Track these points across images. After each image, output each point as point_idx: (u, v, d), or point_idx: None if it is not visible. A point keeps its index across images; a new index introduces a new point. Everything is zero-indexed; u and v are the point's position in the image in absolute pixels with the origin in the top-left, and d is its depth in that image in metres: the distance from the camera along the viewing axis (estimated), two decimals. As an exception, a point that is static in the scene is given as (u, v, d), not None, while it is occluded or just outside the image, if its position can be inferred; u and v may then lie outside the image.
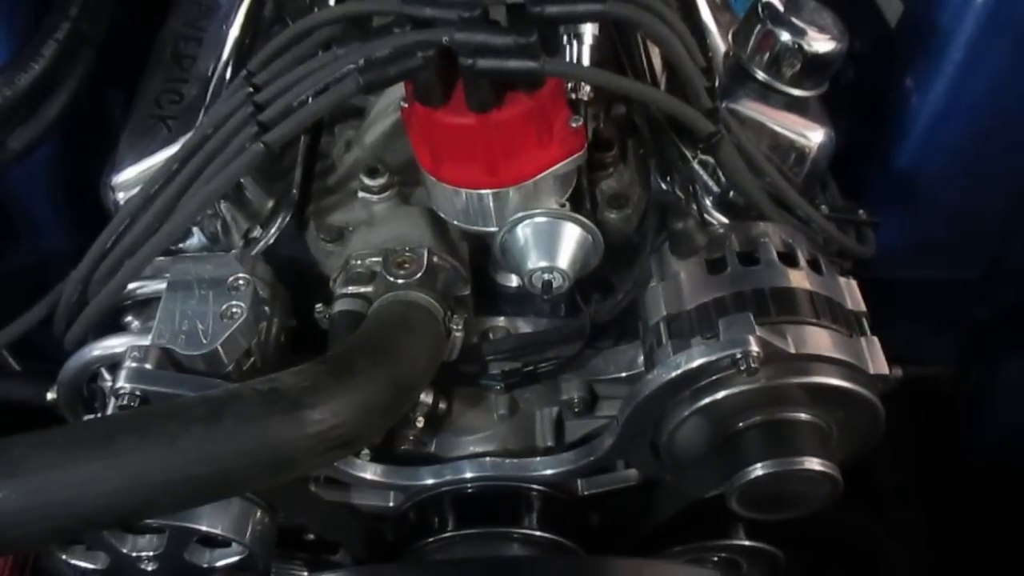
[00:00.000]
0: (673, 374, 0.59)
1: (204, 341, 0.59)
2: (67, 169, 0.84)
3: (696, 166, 0.74)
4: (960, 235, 0.87)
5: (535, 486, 0.72)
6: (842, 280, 0.67)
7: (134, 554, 0.60)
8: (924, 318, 0.93)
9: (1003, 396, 0.94)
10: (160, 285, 0.64)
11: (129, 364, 0.57)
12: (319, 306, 0.70)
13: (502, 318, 0.77)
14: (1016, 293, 0.91)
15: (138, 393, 0.56)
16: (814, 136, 0.73)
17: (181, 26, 0.85)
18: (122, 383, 0.56)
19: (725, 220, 0.72)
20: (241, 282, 0.62)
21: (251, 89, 0.62)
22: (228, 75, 0.78)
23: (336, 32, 0.65)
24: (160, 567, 0.61)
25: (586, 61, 0.69)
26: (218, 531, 0.59)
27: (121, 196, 0.71)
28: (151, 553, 0.60)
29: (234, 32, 0.81)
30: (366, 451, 0.69)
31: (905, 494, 1.01)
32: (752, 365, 0.56)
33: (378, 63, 0.58)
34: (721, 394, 0.59)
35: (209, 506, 0.58)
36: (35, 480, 0.46)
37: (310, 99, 0.61)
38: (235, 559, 0.61)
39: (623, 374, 0.75)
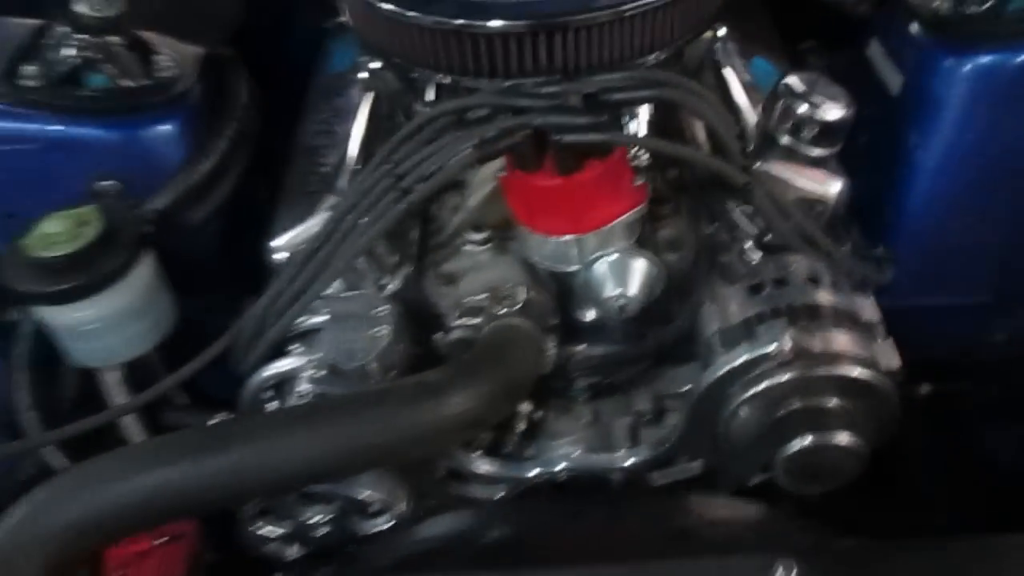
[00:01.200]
0: (725, 369, 0.75)
1: (360, 357, 0.77)
2: (228, 236, 1.05)
3: (738, 213, 0.91)
4: (966, 264, 1.02)
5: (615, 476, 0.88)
6: (860, 298, 0.83)
7: (310, 521, 0.77)
8: (945, 342, 1.07)
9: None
10: (318, 319, 0.83)
11: (309, 374, 0.75)
12: (438, 335, 0.88)
13: (583, 345, 0.94)
14: (1018, 311, 1.05)
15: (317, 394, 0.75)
16: (832, 186, 0.90)
17: (315, 123, 1.07)
18: (304, 387, 0.74)
19: (761, 255, 0.89)
20: (383, 313, 0.81)
21: (390, 165, 0.82)
22: (355, 158, 0.98)
23: (449, 121, 0.85)
24: (329, 533, 0.78)
25: (643, 132, 0.88)
26: (377, 498, 0.76)
27: (281, 255, 0.91)
28: (323, 519, 0.77)
29: (359, 125, 1.02)
30: (481, 450, 0.86)
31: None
32: (785, 359, 0.72)
33: (489, 141, 0.77)
34: (764, 385, 0.75)
35: (369, 480, 0.76)
36: (261, 447, 0.64)
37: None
38: (385, 528, 0.78)
39: (686, 387, 0.91)
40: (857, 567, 0.61)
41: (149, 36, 1.00)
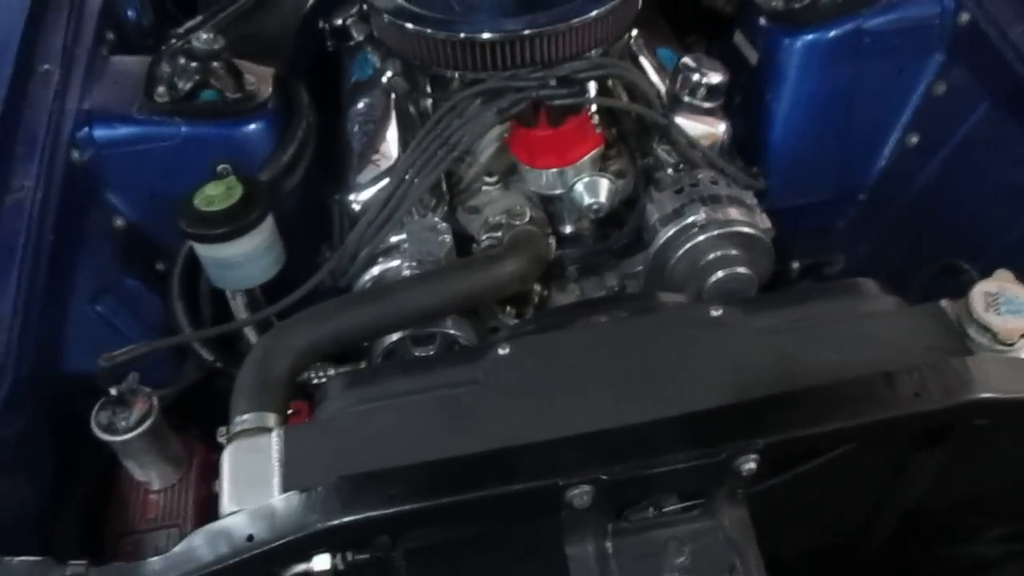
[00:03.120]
0: (666, 236, 1.21)
1: (436, 254, 1.19)
2: (306, 201, 1.44)
3: (659, 151, 1.37)
4: (813, 175, 1.51)
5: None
6: (744, 193, 1.30)
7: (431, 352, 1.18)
8: (806, 228, 1.56)
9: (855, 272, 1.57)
10: (397, 238, 1.25)
11: (405, 267, 1.17)
12: (473, 246, 1.31)
13: (569, 247, 1.38)
14: (855, 206, 1.56)
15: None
16: (719, 127, 1.37)
17: (355, 117, 1.47)
18: (408, 271, 1.16)
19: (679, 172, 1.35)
20: (443, 227, 1.23)
21: (437, 132, 1.25)
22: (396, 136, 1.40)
23: (471, 101, 1.28)
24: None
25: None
26: (461, 336, 1.18)
27: (358, 204, 1.32)
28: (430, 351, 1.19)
29: (392, 115, 1.43)
30: (512, 310, 1.29)
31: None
32: (702, 224, 1.19)
33: (505, 107, 1.21)
34: (690, 244, 1.21)
35: (455, 325, 1.18)
36: (407, 295, 1.07)
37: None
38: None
39: (639, 268, 1.36)
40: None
41: (238, 62, 1.39)
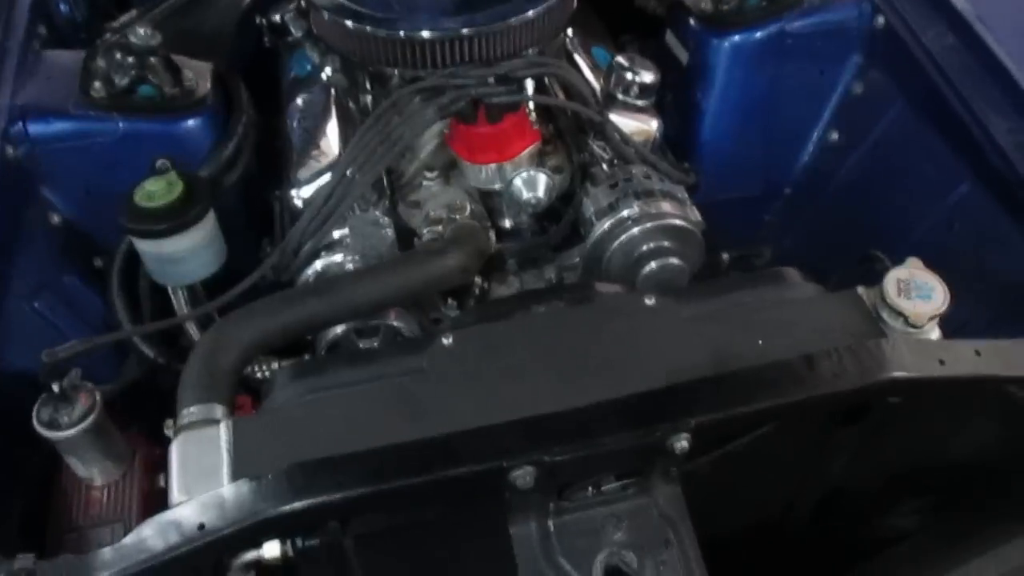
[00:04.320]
0: (602, 230, 1.26)
1: (379, 249, 1.22)
2: (246, 195, 1.44)
3: (594, 146, 1.41)
4: (741, 171, 1.58)
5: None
6: (675, 187, 1.35)
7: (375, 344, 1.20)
8: (735, 222, 1.62)
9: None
10: (339, 232, 1.27)
11: (348, 262, 1.19)
12: (415, 240, 1.33)
13: (507, 240, 1.42)
14: (781, 201, 1.63)
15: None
16: (652, 124, 1.42)
17: (295, 113, 1.48)
18: (350, 265, 1.19)
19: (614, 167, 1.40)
20: (385, 222, 1.26)
21: (378, 128, 1.27)
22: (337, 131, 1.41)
23: (411, 97, 1.30)
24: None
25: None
26: (404, 328, 1.20)
27: (300, 200, 1.33)
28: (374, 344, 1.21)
29: (332, 110, 1.45)
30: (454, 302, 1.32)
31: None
32: (635, 218, 1.23)
33: (445, 104, 1.24)
34: (624, 236, 1.25)
35: (398, 317, 1.20)
36: (352, 288, 1.09)
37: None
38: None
39: (575, 260, 1.40)
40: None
41: (176, 57, 1.39)
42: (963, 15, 1.38)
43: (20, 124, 1.29)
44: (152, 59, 1.34)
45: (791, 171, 1.61)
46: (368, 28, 1.31)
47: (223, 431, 0.90)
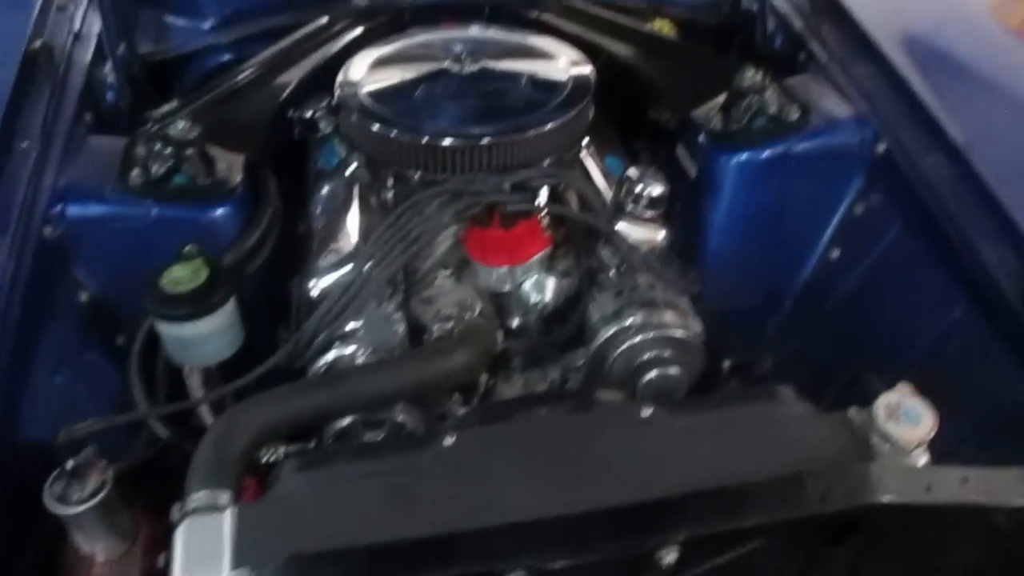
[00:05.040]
0: (605, 336, 1.30)
1: (391, 344, 1.27)
2: (268, 283, 1.50)
3: (605, 252, 1.47)
4: (744, 281, 1.63)
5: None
6: (680, 297, 1.40)
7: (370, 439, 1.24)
8: (737, 330, 1.67)
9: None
10: (353, 325, 1.32)
11: (360, 355, 1.24)
12: (425, 335, 1.38)
13: (515, 339, 1.46)
14: (782, 312, 1.68)
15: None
16: (659, 235, 1.48)
17: (318, 204, 1.56)
18: (361, 358, 1.23)
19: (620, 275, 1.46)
20: (398, 317, 1.31)
21: (397, 228, 1.33)
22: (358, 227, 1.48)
23: (431, 200, 1.37)
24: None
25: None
26: (410, 422, 1.24)
27: (318, 291, 1.38)
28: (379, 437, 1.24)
29: (355, 205, 1.52)
30: (460, 397, 1.36)
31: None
32: (638, 327, 1.28)
33: (462, 209, 1.31)
34: (627, 344, 1.30)
35: (404, 412, 1.24)
36: (362, 381, 1.13)
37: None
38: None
39: (580, 363, 1.45)
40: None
41: (211, 148, 1.47)
42: (959, 146, 1.45)
43: (60, 206, 1.36)
44: (189, 150, 1.42)
45: (793, 284, 1.66)
46: (392, 133, 1.39)
47: (227, 519, 0.93)
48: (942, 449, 1.07)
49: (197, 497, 0.98)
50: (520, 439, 1.04)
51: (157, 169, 1.41)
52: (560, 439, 1.03)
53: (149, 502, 1.31)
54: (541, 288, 1.37)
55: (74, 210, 1.37)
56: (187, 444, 1.30)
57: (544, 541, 0.89)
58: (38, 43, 1.60)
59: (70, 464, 1.10)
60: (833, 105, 1.60)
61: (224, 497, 0.99)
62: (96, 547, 1.16)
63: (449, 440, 1.01)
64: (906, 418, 1.05)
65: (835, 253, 1.62)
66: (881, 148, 1.54)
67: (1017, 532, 0.99)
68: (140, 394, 1.35)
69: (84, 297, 1.40)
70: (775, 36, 1.80)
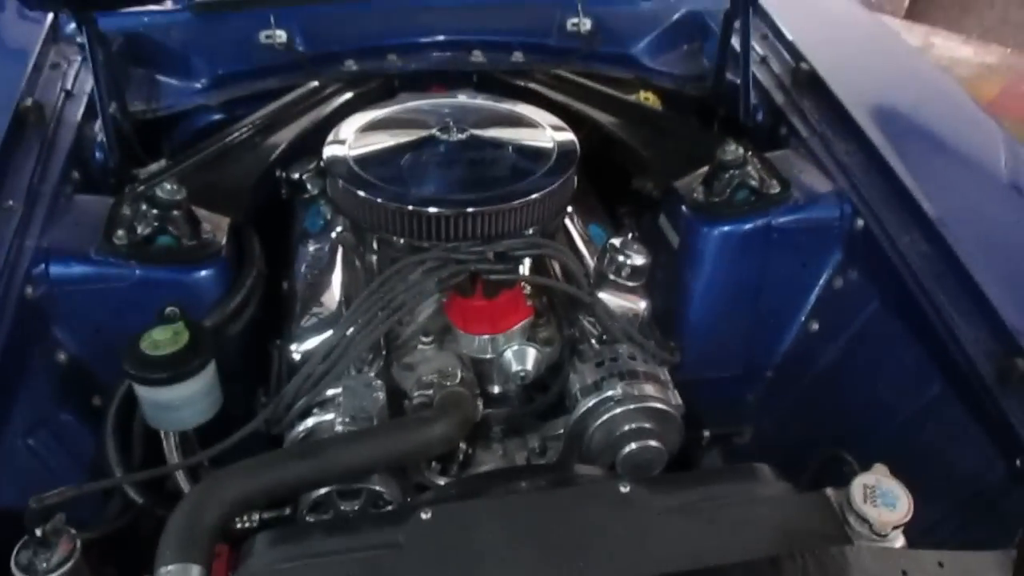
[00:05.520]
0: (585, 408, 1.30)
1: (370, 412, 1.26)
2: (250, 345, 1.50)
3: (584, 322, 1.48)
4: (725, 351, 1.64)
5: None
6: (659, 368, 1.41)
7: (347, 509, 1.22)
8: (717, 400, 1.67)
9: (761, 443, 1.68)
10: (332, 392, 1.31)
11: (338, 423, 1.24)
12: (405, 402, 1.38)
13: (494, 407, 1.46)
14: (762, 383, 1.68)
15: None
16: (640, 304, 1.49)
17: (302, 266, 1.56)
18: (340, 427, 1.22)
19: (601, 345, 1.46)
20: (378, 385, 1.31)
21: (379, 295, 1.34)
22: (340, 290, 1.48)
23: (413, 268, 1.38)
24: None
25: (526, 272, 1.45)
26: (387, 493, 1.23)
27: (299, 355, 1.38)
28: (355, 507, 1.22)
29: (339, 268, 1.53)
30: (438, 466, 1.35)
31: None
32: (618, 399, 1.28)
33: (445, 278, 1.31)
34: (607, 416, 1.30)
35: (382, 482, 1.23)
36: (338, 452, 1.12)
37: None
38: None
39: (559, 431, 1.44)
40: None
41: (196, 209, 1.47)
42: (936, 224, 1.47)
43: (43, 266, 1.36)
44: (175, 212, 1.43)
45: (773, 356, 1.67)
46: (378, 200, 1.40)
47: (198, 594, 0.92)
48: (918, 527, 1.07)
49: (167, 571, 0.97)
50: (498, 515, 1.03)
51: (142, 230, 1.41)
52: (540, 515, 1.02)
53: (119, 568, 1.29)
54: (522, 357, 1.37)
55: (57, 270, 1.37)
56: (161, 509, 1.28)
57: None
58: (29, 101, 1.61)
59: (38, 532, 1.08)
60: (813, 180, 1.63)
61: (195, 571, 0.98)
62: (62, 618, 1.13)
63: (426, 515, 1.01)
64: (883, 500, 1.05)
65: (814, 326, 1.63)
66: (859, 224, 1.56)
67: (994, 618, 0.99)
68: (114, 458, 1.34)
69: (62, 357, 1.39)
70: (757, 110, 1.84)
